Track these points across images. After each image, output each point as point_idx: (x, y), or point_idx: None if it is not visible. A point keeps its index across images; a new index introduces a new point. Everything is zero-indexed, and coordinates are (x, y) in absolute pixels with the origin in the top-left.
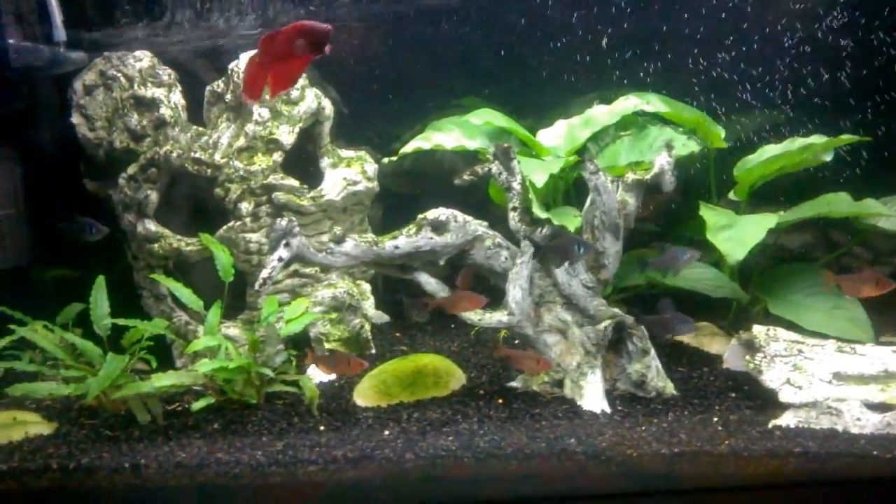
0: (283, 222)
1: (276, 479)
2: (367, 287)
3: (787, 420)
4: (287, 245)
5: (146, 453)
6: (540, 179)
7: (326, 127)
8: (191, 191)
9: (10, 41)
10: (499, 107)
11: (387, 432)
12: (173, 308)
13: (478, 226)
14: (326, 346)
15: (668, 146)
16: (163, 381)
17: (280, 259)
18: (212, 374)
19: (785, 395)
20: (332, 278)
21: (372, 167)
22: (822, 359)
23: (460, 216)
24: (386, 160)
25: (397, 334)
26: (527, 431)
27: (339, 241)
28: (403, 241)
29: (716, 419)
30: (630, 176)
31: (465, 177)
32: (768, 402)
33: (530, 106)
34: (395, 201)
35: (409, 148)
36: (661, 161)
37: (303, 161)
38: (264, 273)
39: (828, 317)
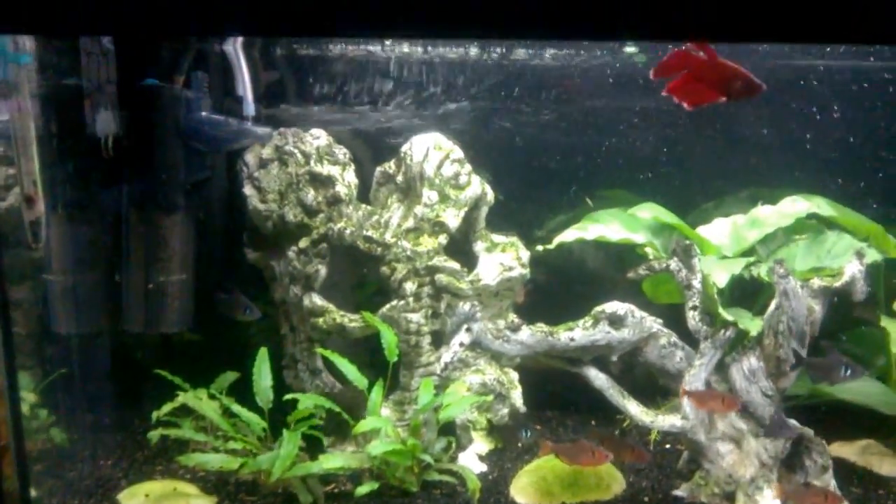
0: (465, 307)
1: None
2: (514, 376)
3: None
4: (469, 330)
5: None
6: (722, 279)
7: (484, 212)
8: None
9: (202, 113)
10: (642, 199)
11: None
12: (326, 383)
13: (653, 322)
14: (473, 434)
15: (860, 253)
16: (331, 462)
17: (461, 344)
18: (379, 458)
19: None
20: (481, 364)
21: (526, 254)
22: None
23: (637, 311)
24: (541, 247)
25: (538, 426)
26: None
27: (515, 328)
28: (580, 333)
29: None
30: (816, 282)
31: (641, 271)
32: None
33: (673, 200)
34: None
35: (569, 237)
36: (853, 269)
37: (452, 243)
38: (446, 357)
39: None
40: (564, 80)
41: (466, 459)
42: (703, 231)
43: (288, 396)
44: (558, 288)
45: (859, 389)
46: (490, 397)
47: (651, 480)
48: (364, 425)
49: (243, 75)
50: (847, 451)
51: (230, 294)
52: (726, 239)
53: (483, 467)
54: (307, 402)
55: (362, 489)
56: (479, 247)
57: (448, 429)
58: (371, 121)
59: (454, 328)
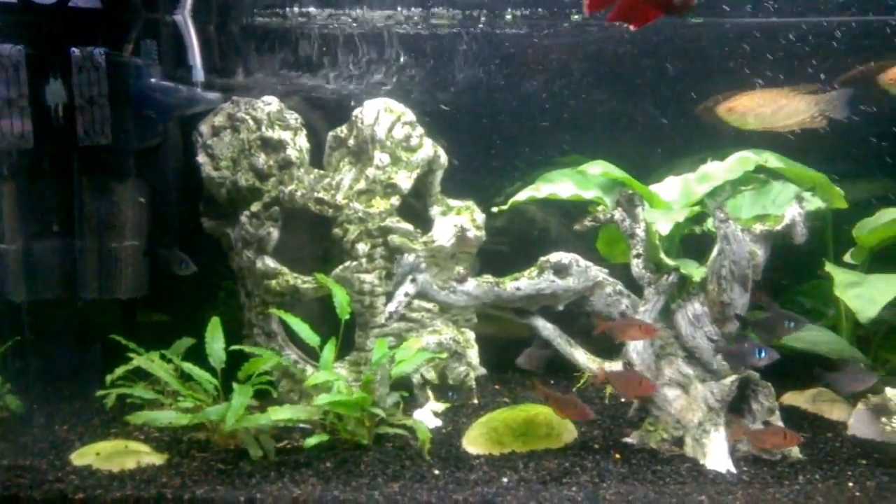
0: (410, 258)
1: None
2: (471, 335)
3: None
4: (413, 280)
5: (261, 488)
6: (665, 227)
7: (438, 176)
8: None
9: (152, 80)
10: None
11: (505, 479)
12: (283, 346)
13: (598, 272)
14: (429, 393)
15: (800, 197)
16: (279, 414)
17: (406, 294)
18: (328, 410)
19: None
20: (437, 325)
21: (481, 216)
22: None
23: (582, 261)
24: (496, 209)
25: (496, 386)
26: (652, 487)
27: (461, 280)
28: (525, 282)
29: (851, 484)
30: (758, 227)
31: (586, 223)
32: None
33: (629, 165)
34: (488, 258)
35: (522, 196)
36: (793, 212)
37: (409, 207)
38: (391, 307)
39: None
40: (523, 49)
41: (422, 416)
42: (655, 188)
43: (235, 347)
44: (518, 255)
45: (809, 338)
46: (444, 355)
47: (603, 430)
48: (315, 378)
49: (192, 43)
50: (799, 399)
51: (169, 250)
52: (676, 195)
53: (438, 423)
54: (267, 360)
55: (311, 440)
56: (434, 210)
57: (405, 387)
58: (326, 89)
59: (400, 279)
